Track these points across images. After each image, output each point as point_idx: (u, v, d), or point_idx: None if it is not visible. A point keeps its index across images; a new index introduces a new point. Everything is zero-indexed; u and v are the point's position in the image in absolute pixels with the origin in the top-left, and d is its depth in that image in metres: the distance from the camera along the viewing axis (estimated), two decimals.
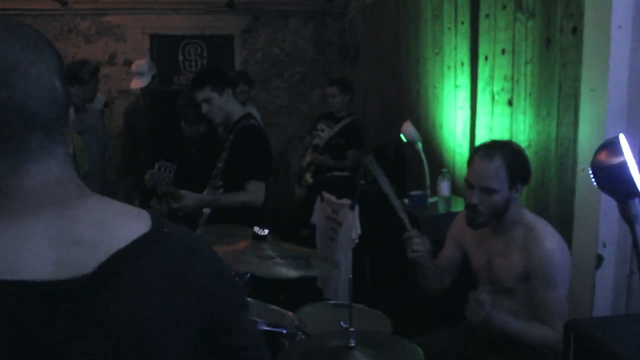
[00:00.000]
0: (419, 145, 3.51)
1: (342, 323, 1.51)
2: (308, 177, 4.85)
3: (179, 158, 3.45)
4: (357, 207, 3.53)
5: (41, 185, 0.78)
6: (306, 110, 6.77)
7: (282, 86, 6.78)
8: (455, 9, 3.49)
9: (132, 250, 0.78)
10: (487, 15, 3.13)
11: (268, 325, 1.97)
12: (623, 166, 1.33)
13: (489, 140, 2.15)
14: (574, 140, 2.43)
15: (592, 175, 1.41)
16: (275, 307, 2.21)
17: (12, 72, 0.74)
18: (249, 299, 2.28)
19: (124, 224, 0.81)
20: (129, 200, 4.43)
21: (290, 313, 2.16)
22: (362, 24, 5.72)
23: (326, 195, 3.90)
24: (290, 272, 1.66)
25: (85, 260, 0.75)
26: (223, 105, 2.96)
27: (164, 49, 6.55)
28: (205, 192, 3.05)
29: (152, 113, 4.45)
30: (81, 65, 3.71)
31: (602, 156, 1.38)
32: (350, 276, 1.57)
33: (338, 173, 4.11)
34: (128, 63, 6.01)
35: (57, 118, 0.79)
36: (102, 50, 6.35)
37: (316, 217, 4.04)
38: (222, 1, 6.32)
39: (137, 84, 4.50)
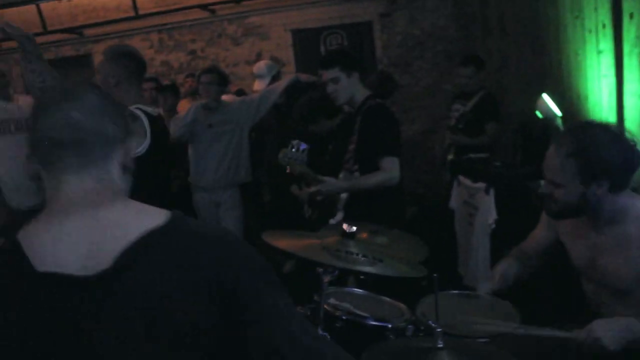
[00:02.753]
0: (559, 122, 3.22)
1: (430, 322, 1.45)
2: (450, 159, 4.70)
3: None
4: (492, 191, 3.34)
5: (79, 193, 0.99)
6: (452, 89, 6.53)
7: (425, 67, 6.61)
8: None
9: (144, 241, 0.93)
10: None
11: (375, 319, 1.97)
12: None
13: (579, 122, 1.83)
14: None
15: None
16: (388, 300, 2.19)
17: (41, 114, 1.02)
18: (360, 291, 2.28)
19: (138, 220, 0.97)
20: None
21: (402, 305, 2.12)
22: None
23: (462, 179, 3.75)
24: (367, 269, 1.63)
25: (108, 253, 0.92)
26: (349, 87, 2.97)
27: (305, 42, 6.73)
28: (340, 176, 3.10)
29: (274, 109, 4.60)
30: None
31: None
32: (436, 274, 1.49)
33: (474, 155, 3.91)
34: (274, 60, 6.29)
35: (86, 143, 1.00)
36: (249, 51, 6.72)
37: (454, 202, 3.91)
38: None
39: (258, 85, 4.72)
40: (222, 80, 4.02)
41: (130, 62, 2.81)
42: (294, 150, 2.73)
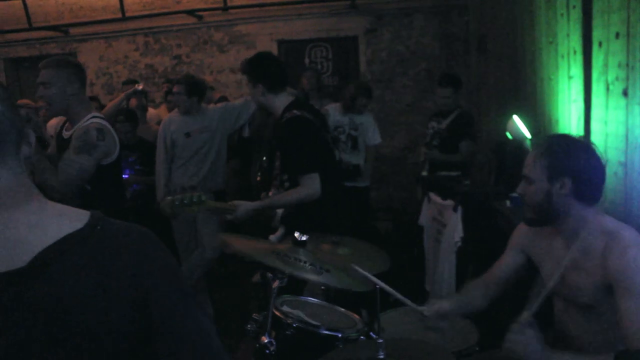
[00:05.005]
0: (528, 144, 3.26)
1: (371, 334, 1.46)
2: (423, 176, 4.73)
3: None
4: (459, 209, 3.37)
5: None
6: (433, 107, 6.59)
7: (408, 84, 6.66)
8: None
9: (60, 245, 0.89)
10: None
11: (327, 329, 1.97)
12: None
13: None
14: None
15: None
16: (342, 310, 2.19)
17: None
18: (315, 300, 2.29)
19: (57, 224, 0.92)
20: None
21: (355, 316, 2.13)
22: (483, 15, 5.44)
23: (433, 196, 3.78)
24: (311, 277, 1.63)
25: (20, 256, 0.87)
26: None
27: (291, 53, 6.78)
28: (270, 193, 3.01)
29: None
30: None
31: None
32: (378, 286, 1.50)
33: (446, 172, 3.95)
34: None
35: (3, 134, 0.92)
36: (234, 59, 6.74)
37: (423, 219, 3.93)
38: (345, 3, 6.39)
39: None
40: (190, 91, 4.03)
41: (81, 73, 2.81)
42: (188, 195, 2.59)
